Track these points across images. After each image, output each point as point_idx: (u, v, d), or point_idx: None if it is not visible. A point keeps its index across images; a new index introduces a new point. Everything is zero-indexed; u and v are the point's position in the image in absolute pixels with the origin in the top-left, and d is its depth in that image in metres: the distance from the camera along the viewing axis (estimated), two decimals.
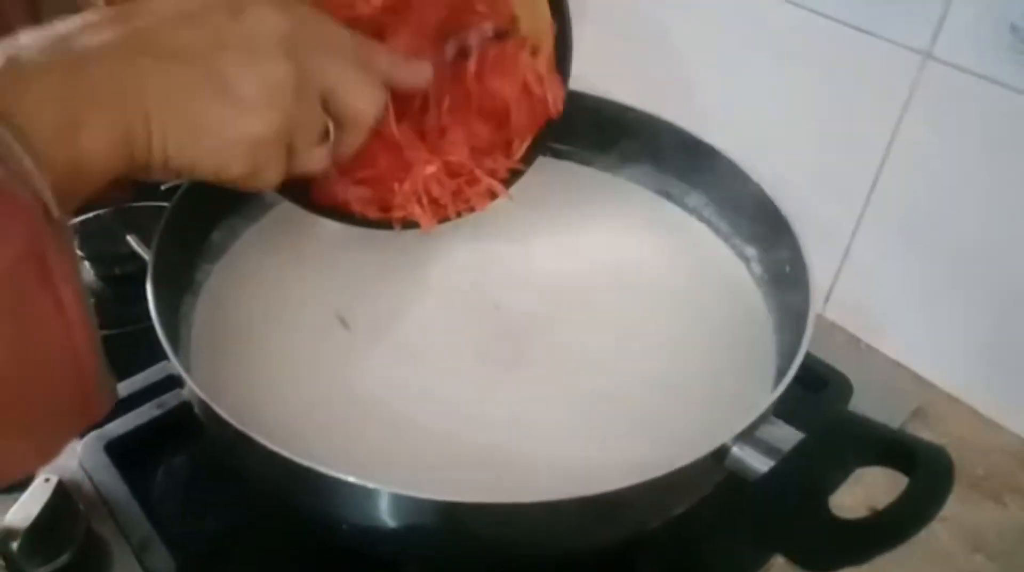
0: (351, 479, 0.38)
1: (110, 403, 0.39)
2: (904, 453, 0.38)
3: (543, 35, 0.56)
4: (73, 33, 0.35)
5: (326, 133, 0.42)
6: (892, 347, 0.71)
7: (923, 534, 0.56)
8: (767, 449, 0.40)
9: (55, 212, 0.32)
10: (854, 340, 0.72)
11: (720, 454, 0.41)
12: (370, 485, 0.37)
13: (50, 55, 0.33)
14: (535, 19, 0.55)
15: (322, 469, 0.38)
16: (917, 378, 0.69)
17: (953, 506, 0.58)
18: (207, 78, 0.36)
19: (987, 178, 0.59)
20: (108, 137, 0.34)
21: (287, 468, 0.38)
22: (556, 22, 0.55)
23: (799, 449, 0.39)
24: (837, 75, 0.65)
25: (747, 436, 0.41)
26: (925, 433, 0.64)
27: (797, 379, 0.61)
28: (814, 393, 0.63)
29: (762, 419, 0.42)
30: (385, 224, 0.54)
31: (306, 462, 0.38)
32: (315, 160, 0.43)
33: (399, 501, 0.38)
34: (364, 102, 0.42)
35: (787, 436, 0.41)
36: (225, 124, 0.37)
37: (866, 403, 0.63)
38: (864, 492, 0.55)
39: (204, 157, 0.37)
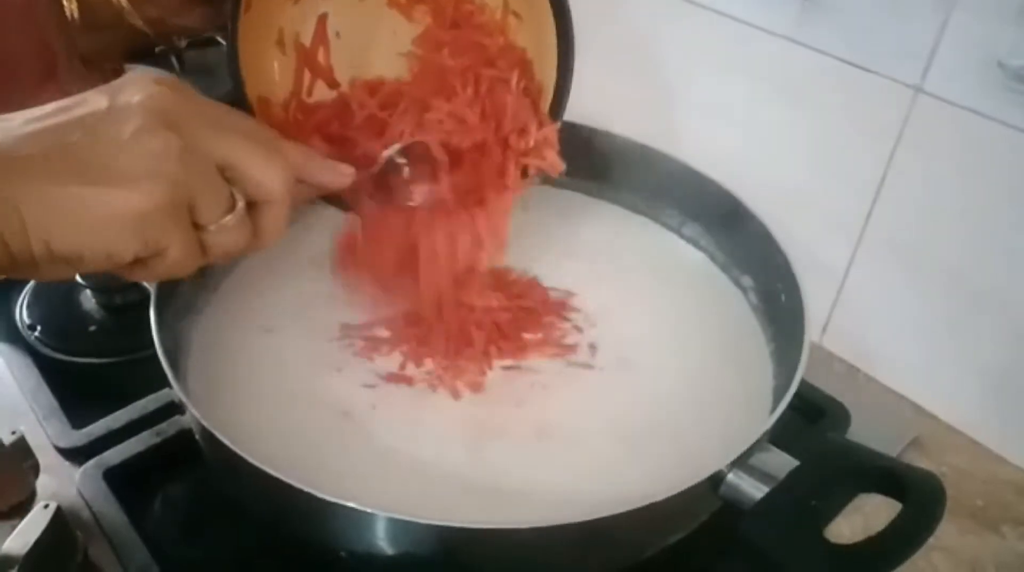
0: (349, 504, 0.38)
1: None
2: (896, 480, 0.38)
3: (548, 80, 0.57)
4: None
5: (233, 205, 0.39)
6: (890, 377, 0.71)
7: (922, 564, 0.56)
8: (762, 476, 0.40)
9: None
10: (852, 370, 0.73)
11: (715, 480, 0.41)
12: (367, 510, 0.38)
13: None
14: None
15: (320, 494, 0.38)
16: (916, 408, 0.69)
17: (952, 537, 0.58)
18: (75, 159, 0.34)
19: (979, 210, 0.60)
20: None
21: (285, 493, 0.39)
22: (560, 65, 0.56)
23: (793, 476, 0.39)
24: (832, 109, 0.66)
25: (742, 463, 0.41)
26: (923, 463, 0.64)
27: (796, 409, 0.62)
28: (812, 423, 0.63)
29: (757, 446, 0.42)
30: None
31: (305, 487, 0.38)
32: (232, 236, 0.39)
33: (395, 526, 0.39)
34: (268, 174, 0.39)
35: (782, 463, 0.41)
36: (101, 202, 0.34)
37: (864, 433, 0.63)
38: (864, 521, 0.55)
39: (89, 241, 0.35)
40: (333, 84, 0.55)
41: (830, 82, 0.65)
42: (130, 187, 0.35)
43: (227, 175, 0.38)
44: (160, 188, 0.35)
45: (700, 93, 0.76)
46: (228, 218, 0.38)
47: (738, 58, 0.71)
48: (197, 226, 0.38)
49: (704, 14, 0.72)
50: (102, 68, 0.51)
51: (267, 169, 0.39)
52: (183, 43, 0.52)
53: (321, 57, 0.54)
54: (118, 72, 0.51)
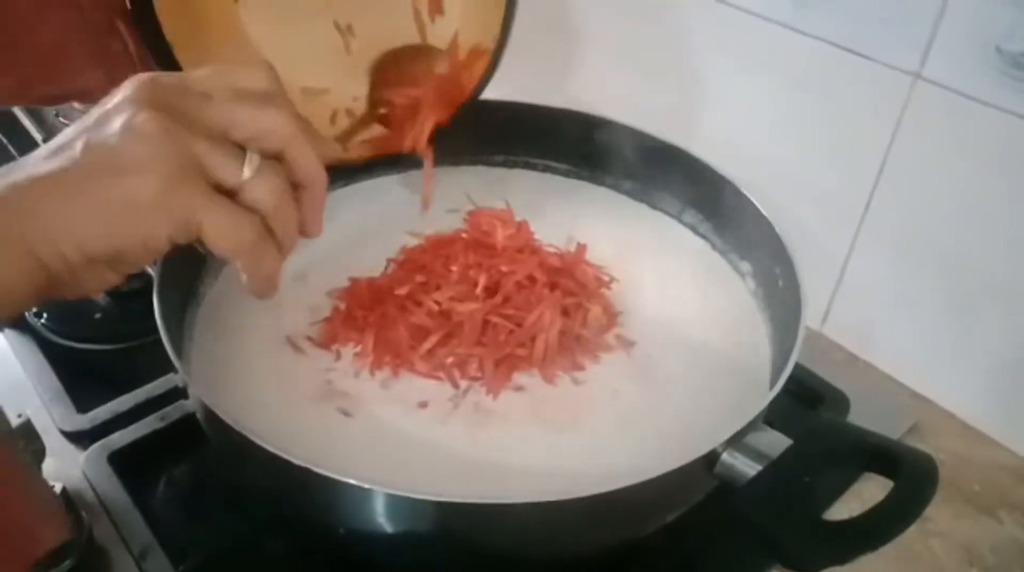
0: (348, 480, 0.38)
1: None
2: (888, 457, 0.38)
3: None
4: None
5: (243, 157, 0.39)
6: (889, 364, 0.71)
7: (918, 548, 0.57)
8: (756, 455, 0.41)
9: None
10: (852, 357, 0.73)
11: (710, 459, 0.41)
12: (366, 486, 0.38)
13: None
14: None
15: (319, 470, 0.38)
16: (914, 394, 0.69)
17: (948, 521, 0.59)
18: (83, 164, 0.36)
19: (978, 196, 0.60)
20: (13, 266, 0.35)
21: (284, 470, 0.39)
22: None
23: (787, 454, 0.40)
24: (830, 96, 0.67)
25: (736, 442, 0.41)
26: (921, 448, 0.64)
27: (794, 395, 0.62)
28: (811, 409, 0.64)
29: (752, 426, 0.42)
30: None
31: (304, 464, 0.39)
32: (266, 184, 0.39)
33: (394, 502, 0.39)
34: (266, 120, 0.39)
35: (776, 442, 0.41)
36: (115, 192, 0.36)
37: (863, 419, 0.63)
38: (862, 506, 0.56)
39: (117, 232, 0.36)
40: None
41: (828, 69, 0.65)
42: (137, 172, 0.36)
43: (233, 135, 0.39)
44: (163, 165, 0.36)
45: (697, 80, 0.76)
46: (246, 169, 0.38)
47: (736, 45, 0.71)
48: (227, 191, 0.38)
49: (701, 1, 0.72)
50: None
51: (263, 116, 0.39)
52: None
53: None
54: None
